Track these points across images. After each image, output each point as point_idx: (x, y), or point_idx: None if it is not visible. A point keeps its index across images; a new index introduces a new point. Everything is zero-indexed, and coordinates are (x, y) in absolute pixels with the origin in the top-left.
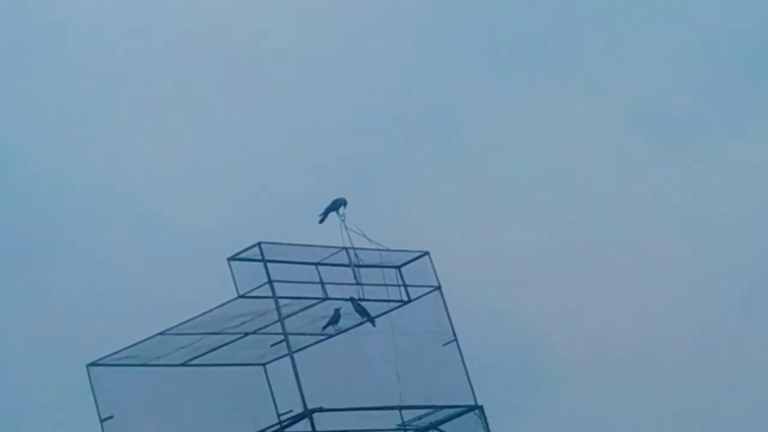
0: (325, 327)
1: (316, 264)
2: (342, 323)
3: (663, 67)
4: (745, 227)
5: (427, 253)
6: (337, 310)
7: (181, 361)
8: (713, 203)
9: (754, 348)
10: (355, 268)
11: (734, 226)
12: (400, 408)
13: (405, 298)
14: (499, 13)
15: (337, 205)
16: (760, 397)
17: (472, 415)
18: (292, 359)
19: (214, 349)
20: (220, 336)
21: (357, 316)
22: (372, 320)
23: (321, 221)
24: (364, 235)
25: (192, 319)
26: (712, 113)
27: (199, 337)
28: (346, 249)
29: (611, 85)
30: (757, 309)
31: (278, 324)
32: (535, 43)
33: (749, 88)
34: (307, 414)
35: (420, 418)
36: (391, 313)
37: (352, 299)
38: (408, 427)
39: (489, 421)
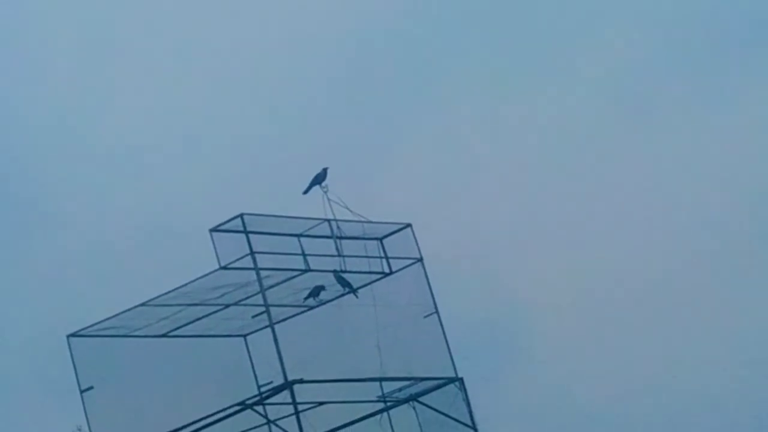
0: (306, 298)
1: (298, 236)
2: (323, 295)
3: (631, 42)
4: (710, 194)
5: (409, 225)
6: (318, 286)
7: (162, 332)
8: (681, 172)
9: (723, 305)
10: (337, 240)
11: (701, 194)
12: (381, 380)
13: (387, 270)
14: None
15: (319, 179)
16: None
17: (452, 387)
18: (273, 331)
19: (195, 321)
20: (202, 307)
21: (339, 287)
22: (354, 291)
23: (305, 192)
24: (347, 207)
25: (173, 291)
26: (680, 86)
27: (180, 308)
28: (328, 221)
29: (580, 61)
30: (726, 269)
31: (260, 295)
32: (510, 20)
33: (718, 60)
34: (288, 385)
35: (400, 389)
36: (373, 285)
37: (334, 271)
38: (388, 399)
39: (469, 392)
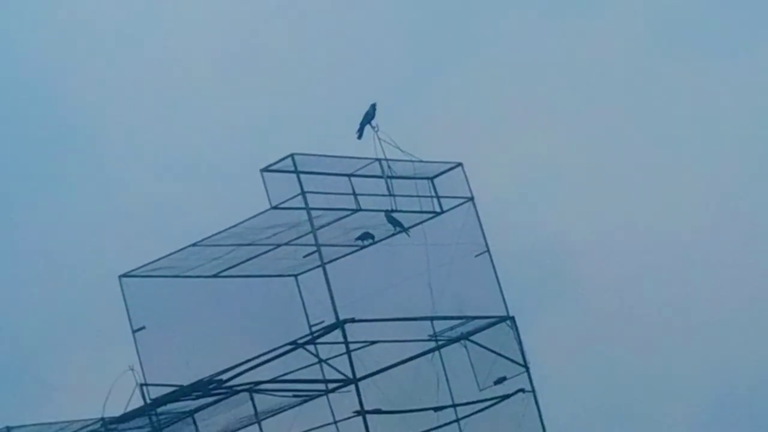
0: (357, 239)
1: (349, 175)
2: (375, 235)
3: None
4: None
5: (460, 164)
6: (367, 232)
7: (214, 273)
8: (731, 107)
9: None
10: (388, 180)
11: (751, 128)
12: (432, 319)
13: (438, 210)
14: None
15: (369, 116)
16: None
17: (503, 326)
18: (325, 270)
19: (247, 261)
20: (253, 247)
21: (390, 227)
22: (406, 230)
23: (359, 137)
24: (397, 147)
25: (224, 231)
26: (729, 19)
27: (231, 248)
28: (379, 160)
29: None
30: None
31: (311, 235)
32: None
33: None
34: (339, 325)
35: (452, 328)
36: (424, 224)
37: (385, 211)
38: (440, 338)
39: (520, 331)
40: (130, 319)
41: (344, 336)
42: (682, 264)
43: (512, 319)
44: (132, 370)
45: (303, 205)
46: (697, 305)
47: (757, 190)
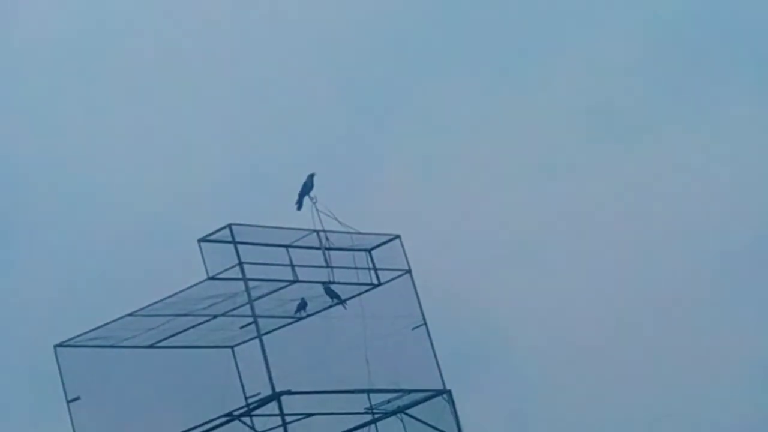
0: (296, 312)
1: (287, 246)
2: (312, 306)
3: (608, 63)
4: (690, 220)
5: (398, 236)
6: (303, 299)
7: (150, 343)
8: (655, 199)
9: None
10: (326, 251)
11: (679, 222)
12: (369, 392)
13: (375, 282)
14: (451, 9)
15: (307, 187)
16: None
17: (440, 399)
18: (261, 342)
19: (183, 331)
20: (189, 318)
21: (327, 299)
22: (343, 302)
23: (298, 208)
24: (335, 218)
25: (161, 301)
26: (656, 109)
27: (167, 318)
28: (316, 232)
29: (557, 79)
30: (700, 299)
31: (248, 306)
32: (491, 33)
33: (697, 84)
34: (276, 397)
35: (388, 401)
36: (361, 296)
37: (323, 283)
38: (376, 411)
39: (457, 405)
40: (65, 390)
41: (280, 408)
42: (611, 337)
43: (449, 392)
44: None
45: (240, 276)
46: (626, 375)
47: (680, 264)
